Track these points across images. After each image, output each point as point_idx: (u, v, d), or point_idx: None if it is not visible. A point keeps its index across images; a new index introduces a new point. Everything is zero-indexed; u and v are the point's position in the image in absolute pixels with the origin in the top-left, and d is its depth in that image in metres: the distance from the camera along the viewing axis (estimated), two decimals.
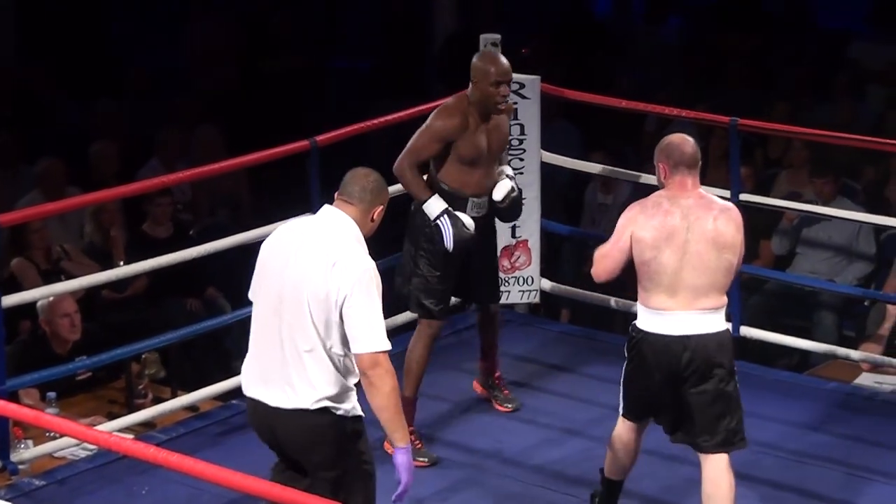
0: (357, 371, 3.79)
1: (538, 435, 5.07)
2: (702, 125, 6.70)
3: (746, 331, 5.82)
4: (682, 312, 4.16)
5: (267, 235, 3.95)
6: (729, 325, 4.32)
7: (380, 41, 9.93)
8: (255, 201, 7.76)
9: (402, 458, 3.74)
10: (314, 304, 3.73)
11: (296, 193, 5.51)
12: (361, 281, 3.71)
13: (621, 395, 4.33)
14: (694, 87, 8.63)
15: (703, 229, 4.19)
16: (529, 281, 5.95)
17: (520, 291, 5.95)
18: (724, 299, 4.25)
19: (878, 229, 6.88)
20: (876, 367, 5.83)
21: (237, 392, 5.36)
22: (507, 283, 5.92)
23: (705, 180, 6.05)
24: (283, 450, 3.91)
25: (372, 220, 3.83)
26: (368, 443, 3.89)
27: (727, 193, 5.62)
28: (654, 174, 4.48)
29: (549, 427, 5.07)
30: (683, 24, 9.82)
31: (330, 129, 5.41)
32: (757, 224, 6.87)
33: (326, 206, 3.86)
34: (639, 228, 4.20)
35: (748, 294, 6.79)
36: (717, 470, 4.22)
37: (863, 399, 5.45)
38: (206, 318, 6.19)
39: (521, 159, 5.81)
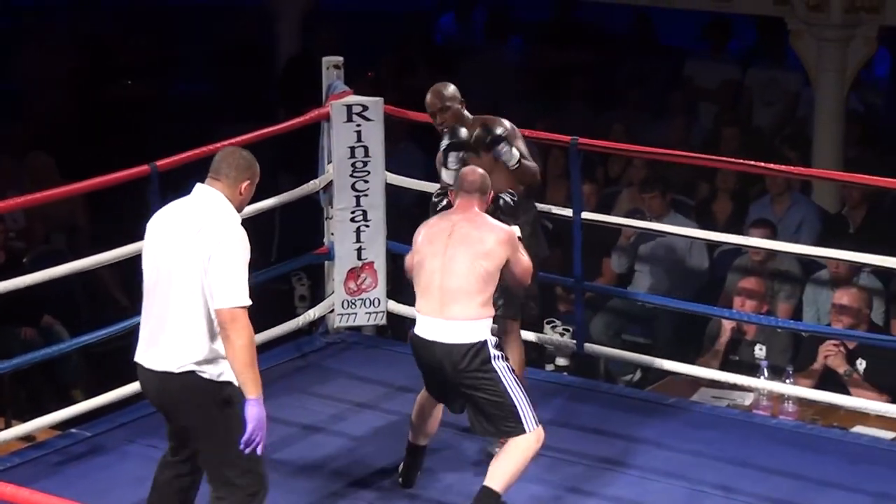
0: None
1: (385, 457, 5.06)
2: (542, 144, 6.80)
3: (590, 347, 5.91)
4: (431, 318, 4.48)
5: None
6: (489, 338, 4.45)
7: (222, 65, 9.84)
8: (94, 227, 7.60)
9: (249, 409, 3.92)
10: (182, 269, 3.94)
11: (138, 218, 5.41)
12: (225, 242, 3.92)
13: None
14: (535, 106, 8.75)
15: (461, 235, 4.49)
16: (376, 303, 5.95)
17: (367, 313, 5.95)
18: (481, 311, 4.44)
19: (711, 245, 7.05)
20: (713, 383, 5.97)
21: (75, 421, 5.25)
22: (353, 306, 5.91)
23: (544, 199, 6.16)
24: (166, 416, 4.09)
25: (240, 193, 4.04)
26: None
27: (569, 212, 5.72)
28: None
29: (398, 450, 5.06)
30: (523, 43, 9.95)
31: (172, 154, 5.34)
32: (599, 242, 7.00)
33: (198, 185, 4.07)
34: (416, 239, 4.58)
35: (592, 312, 6.90)
36: (504, 449, 4.49)
37: (701, 414, 5.56)
38: (42, 347, 6.03)
39: (366, 181, 5.81)
